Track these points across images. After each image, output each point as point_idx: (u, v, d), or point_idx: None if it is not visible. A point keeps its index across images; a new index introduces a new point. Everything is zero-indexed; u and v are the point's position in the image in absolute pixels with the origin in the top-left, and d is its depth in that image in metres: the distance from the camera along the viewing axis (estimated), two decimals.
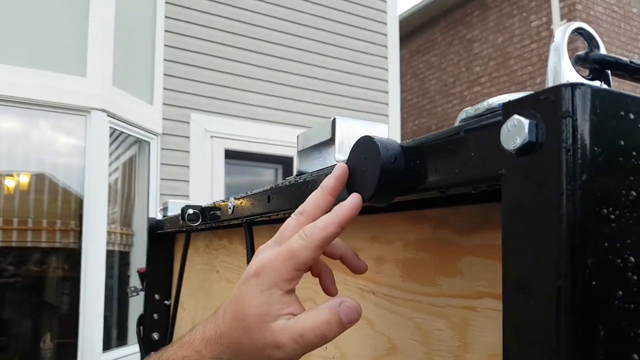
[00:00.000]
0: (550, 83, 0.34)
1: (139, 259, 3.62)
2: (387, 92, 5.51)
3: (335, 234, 0.46)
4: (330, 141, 0.62)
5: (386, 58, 5.54)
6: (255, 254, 0.50)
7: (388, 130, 0.62)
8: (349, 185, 0.50)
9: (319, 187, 0.51)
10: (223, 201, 0.93)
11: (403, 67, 9.38)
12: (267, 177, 5.15)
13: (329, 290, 0.55)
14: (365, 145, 0.47)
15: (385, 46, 5.55)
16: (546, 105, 0.30)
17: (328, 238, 0.46)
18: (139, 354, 1.55)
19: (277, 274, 0.46)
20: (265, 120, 4.69)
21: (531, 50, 7.81)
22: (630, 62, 0.33)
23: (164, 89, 4.22)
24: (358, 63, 5.31)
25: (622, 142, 0.30)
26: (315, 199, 0.50)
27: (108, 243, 3.49)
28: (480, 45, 8.74)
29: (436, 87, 9.60)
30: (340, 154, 0.61)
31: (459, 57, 9.15)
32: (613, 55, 0.34)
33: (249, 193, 0.82)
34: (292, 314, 0.46)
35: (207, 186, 4.33)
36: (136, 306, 1.58)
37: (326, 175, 0.59)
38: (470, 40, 8.92)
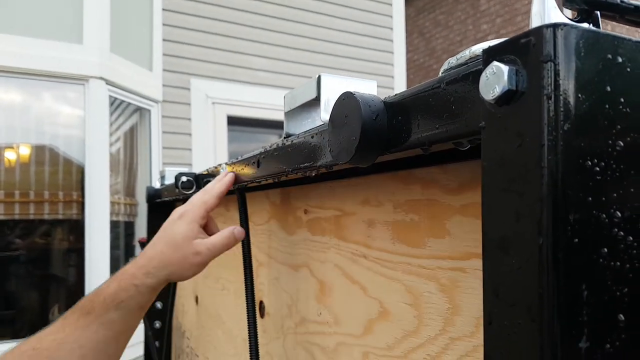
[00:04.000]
0: (534, 26, 0.31)
1: (143, 229, 3.64)
2: (392, 53, 5.41)
3: (225, 189, 0.78)
4: (317, 100, 0.60)
5: (391, 17, 5.42)
6: (174, 211, 0.77)
7: (377, 87, 0.60)
8: (330, 145, 0.48)
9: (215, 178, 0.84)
10: (215, 167, 0.92)
11: (409, 26, 9.21)
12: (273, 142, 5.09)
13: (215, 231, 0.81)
14: (346, 102, 0.45)
15: (390, 4, 5.42)
16: (527, 49, 0.28)
17: (222, 191, 0.77)
18: (142, 323, 1.57)
19: (196, 214, 0.74)
20: (267, 85, 4.63)
21: None
22: (621, 1, 0.31)
23: (164, 54, 4.16)
24: (362, 23, 5.20)
25: (608, 88, 0.27)
26: (215, 180, 0.82)
27: (112, 213, 3.50)
28: (487, 2, 8.55)
29: (443, 46, 9.44)
30: (326, 113, 0.58)
31: (465, 15, 8.96)
32: None
33: (240, 158, 0.80)
34: (205, 236, 0.75)
35: (211, 154, 4.32)
36: None
37: (313, 137, 0.57)
38: None
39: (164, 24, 4.18)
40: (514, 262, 0.28)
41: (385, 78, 5.30)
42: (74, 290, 3.42)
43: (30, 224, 3.51)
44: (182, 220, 0.73)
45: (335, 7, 5.05)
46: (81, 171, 3.39)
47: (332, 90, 0.59)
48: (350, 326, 0.63)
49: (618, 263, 0.27)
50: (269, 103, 4.55)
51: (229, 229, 0.75)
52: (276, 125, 4.74)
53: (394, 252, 0.55)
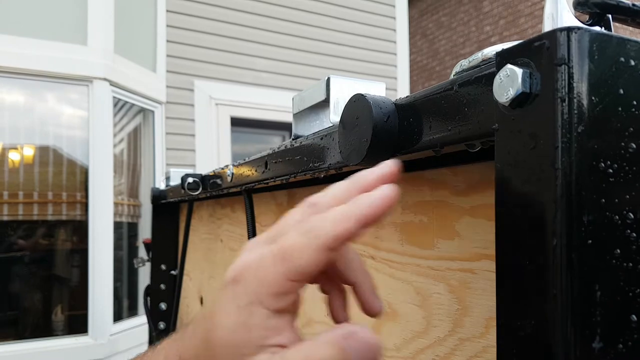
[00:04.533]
0: (546, 30, 0.31)
1: (147, 230, 3.64)
2: (395, 54, 5.41)
3: (350, 233, 0.31)
4: (326, 102, 0.60)
5: (394, 18, 5.42)
6: (241, 251, 0.36)
7: (385, 89, 0.60)
8: (341, 146, 0.48)
9: (348, 178, 0.35)
10: (222, 169, 0.92)
11: (412, 27, 9.22)
12: (276, 144, 5.10)
13: (337, 316, 0.39)
14: (357, 104, 0.45)
15: (393, 6, 5.42)
16: (541, 52, 0.28)
17: (340, 237, 0.31)
18: (146, 323, 1.57)
19: (262, 284, 0.32)
20: (271, 86, 4.64)
21: (542, 8, 7.60)
22: (633, 5, 0.31)
23: (167, 55, 4.17)
24: (365, 24, 5.21)
25: (621, 91, 0.28)
26: (338, 190, 0.35)
27: (115, 214, 3.51)
28: (490, 3, 8.55)
29: (446, 48, 9.44)
30: (335, 115, 0.59)
31: (469, 16, 8.96)
32: None
33: (247, 159, 0.80)
34: (279, 346, 0.32)
35: (214, 155, 4.33)
36: (146, 276, 1.60)
37: (322, 138, 0.57)
38: None
39: (167, 25, 4.20)
40: (527, 263, 0.29)
41: (388, 79, 5.30)
42: (78, 292, 3.43)
43: (33, 225, 3.52)
44: (233, 297, 0.33)
45: (338, 9, 5.06)
46: (85, 172, 3.40)
47: (341, 91, 0.59)
48: None
49: (631, 264, 0.28)
50: (272, 104, 4.55)
51: (333, 337, 0.30)
52: (280, 126, 4.75)
53: (402, 253, 0.56)
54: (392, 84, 5.33)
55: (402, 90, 5.37)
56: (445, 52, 9.43)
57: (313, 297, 0.74)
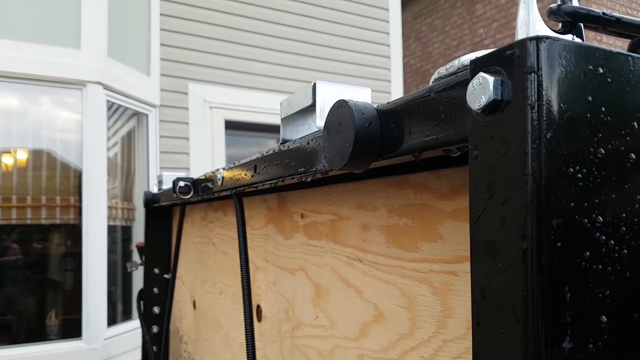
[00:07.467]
0: (519, 38, 0.32)
1: (141, 233, 3.64)
2: (389, 57, 5.43)
3: None
4: (312, 107, 0.61)
5: (388, 22, 5.45)
6: None
7: (371, 93, 0.61)
8: (325, 151, 0.49)
9: None
10: (213, 172, 0.93)
11: (405, 30, 9.25)
12: (271, 147, 5.10)
13: None
14: (340, 110, 0.46)
15: (387, 9, 5.45)
16: (511, 60, 0.29)
17: None
18: (139, 327, 1.57)
19: None
20: (265, 89, 4.64)
21: None
22: (603, 14, 0.32)
23: (161, 59, 4.17)
24: (360, 28, 5.23)
25: (590, 98, 0.29)
26: None
27: (109, 218, 3.51)
28: (484, 6, 8.59)
29: (439, 51, 9.47)
30: (321, 119, 0.60)
31: (462, 20, 8.99)
32: (585, 7, 0.32)
33: (237, 163, 0.81)
34: None
35: (208, 158, 4.33)
36: (140, 280, 1.60)
37: (309, 143, 0.58)
38: (473, 2, 8.76)
39: (161, 29, 4.20)
40: (500, 266, 0.29)
41: (382, 82, 5.32)
42: (71, 296, 3.42)
43: (27, 229, 3.51)
44: None
45: (333, 13, 5.08)
46: (79, 176, 3.40)
47: (327, 97, 0.60)
48: (346, 329, 0.64)
49: (600, 266, 0.28)
50: (266, 107, 4.56)
51: None
52: (274, 129, 4.75)
53: (388, 255, 0.56)
54: (385, 86, 5.35)
55: (396, 93, 5.39)
56: (438, 55, 9.46)
57: (303, 300, 0.75)
